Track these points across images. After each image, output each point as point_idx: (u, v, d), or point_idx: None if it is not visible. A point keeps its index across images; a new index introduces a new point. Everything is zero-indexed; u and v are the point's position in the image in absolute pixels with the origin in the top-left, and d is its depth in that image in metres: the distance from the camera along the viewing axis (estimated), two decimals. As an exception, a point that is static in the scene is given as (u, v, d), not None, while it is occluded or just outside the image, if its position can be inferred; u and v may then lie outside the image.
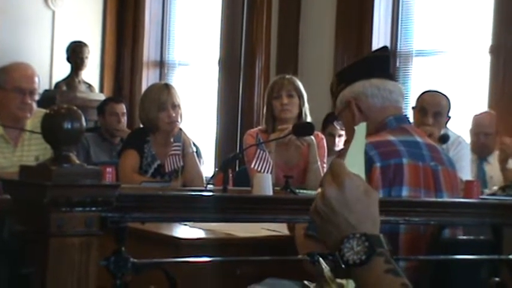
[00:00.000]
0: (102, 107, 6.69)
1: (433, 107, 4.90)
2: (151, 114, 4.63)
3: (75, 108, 1.76)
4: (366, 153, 2.63)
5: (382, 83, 2.84)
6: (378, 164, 2.62)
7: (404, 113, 2.92)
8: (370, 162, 2.61)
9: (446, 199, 2.71)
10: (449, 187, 2.77)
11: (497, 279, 2.50)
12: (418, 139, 2.80)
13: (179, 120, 4.64)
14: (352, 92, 2.85)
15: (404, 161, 2.67)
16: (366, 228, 1.43)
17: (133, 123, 7.05)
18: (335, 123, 5.71)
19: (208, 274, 2.62)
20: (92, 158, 6.17)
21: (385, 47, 3.15)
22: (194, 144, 4.70)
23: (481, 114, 5.67)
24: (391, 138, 2.73)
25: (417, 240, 2.61)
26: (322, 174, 3.79)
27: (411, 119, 5.05)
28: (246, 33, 7.23)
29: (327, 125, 5.95)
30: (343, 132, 5.86)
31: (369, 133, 2.79)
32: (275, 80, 4.87)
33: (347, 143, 3.10)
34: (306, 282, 2.58)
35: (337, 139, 5.82)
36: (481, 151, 5.58)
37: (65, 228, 1.66)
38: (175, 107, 4.63)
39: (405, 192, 2.63)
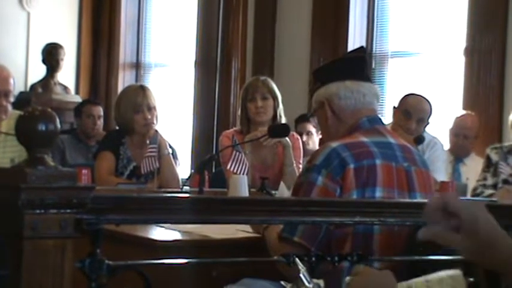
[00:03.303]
0: (79, 108, 6.67)
1: (418, 113, 4.92)
2: (127, 116, 4.61)
3: (49, 110, 1.76)
4: (339, 154, 2.65)
5: (357, 86, 2.85)
6: (352, 166, 2.63)
7: (378, 115, 2.93)
8: (344, 163, 2.62)
9: (421, 200, 2.72)
10: (422, 187, 2.78)
11: (471, 279, 2.51)
12: (391, 140, 2.81)
13: (155, 122, 4.63)
14: (326, 93, 2.87)
15: (378, 161, 2.68)
16: None
17: (109, 125, 7.02)
18: (311, 120, 5.74)
19: (185, 276, 2.61)
20: (67, 160, 6.15)
21: (361, 48, 3.16)
22: (170, 146, 4.69)
23: (463, 115, 5.66)
24: (364, 139, 2.74)
25: (392, 241, 2.62)
26: (297, 175, 3.78)
27: (391, 118, 5.07)
28: (222, 35, 7.23)
29: (296, 124, 5.99)
30: (312, 130, 5.91)
31: (342, 134, 2.81)
32: (249, 82, 4.86)
33: (322, 142, 3.12)
34: (282, 282, 2.60)
35: (305, 137, 5.82)
36: (458, 152, 5.60)
37: (40, 231, 1.66)
38: (151, 109, 4.61)
39: (379, 193, 2.64)
